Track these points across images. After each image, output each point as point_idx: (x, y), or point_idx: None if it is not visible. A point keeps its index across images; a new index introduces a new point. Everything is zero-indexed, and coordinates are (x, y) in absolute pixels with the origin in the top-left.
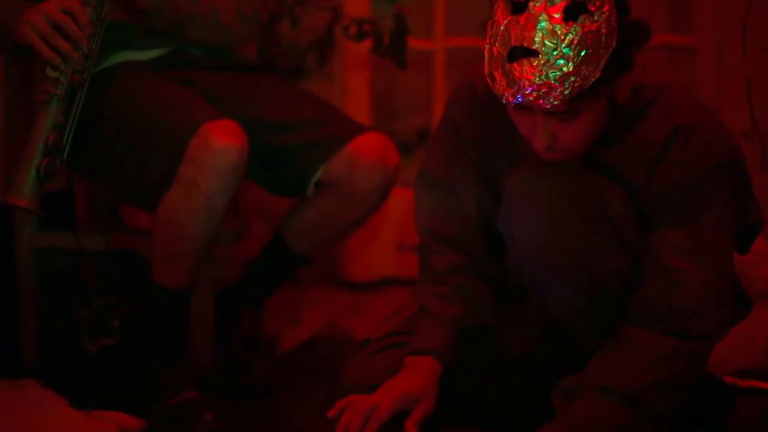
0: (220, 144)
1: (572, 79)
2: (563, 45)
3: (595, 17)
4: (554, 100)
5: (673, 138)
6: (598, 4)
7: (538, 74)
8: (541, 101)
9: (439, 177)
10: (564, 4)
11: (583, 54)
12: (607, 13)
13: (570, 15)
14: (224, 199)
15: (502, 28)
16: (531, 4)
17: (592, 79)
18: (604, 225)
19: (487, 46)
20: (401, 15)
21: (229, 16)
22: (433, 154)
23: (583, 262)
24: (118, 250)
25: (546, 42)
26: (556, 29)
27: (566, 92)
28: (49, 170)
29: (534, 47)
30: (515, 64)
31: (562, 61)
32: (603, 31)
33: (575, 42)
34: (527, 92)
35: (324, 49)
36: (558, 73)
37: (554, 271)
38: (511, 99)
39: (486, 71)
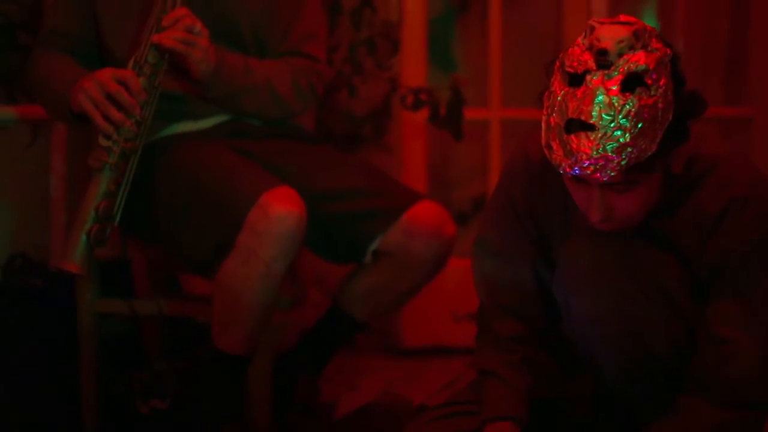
0: (279, 212)
1: (629, 150)
2: (620, 116)
3: (652, 91)
4: (611, 171)
5: (728, 209)
6: (654, 77)
7: (595, 148)
8: (599, 174)
9: (496, 246)
10: (621, 77)
11: (639, 127)
12: (664, 86)
13: (627, 87)
14: (282, 266)
15: (559, 98)
16: (588, 77)
17: (649, 153)
18: (659, 294)
19: (544, 117)
20: (457, 86)
21: (285, 87)
22: (489, 223)
23: (637, 331)
24: (176, 317)
25: (603, 115)
26: (614, 101)
27: (623, 163)
28: (99, 237)
29: (591, 121)
30: (572, 137)
31: (619, 132)
32: (660, 105)
33: (632, 114)
34: (584, 165)
35: (381, 119)
36: (615, 144)
37: (608, 339)
38: (568, 170)
39: (543, 141)
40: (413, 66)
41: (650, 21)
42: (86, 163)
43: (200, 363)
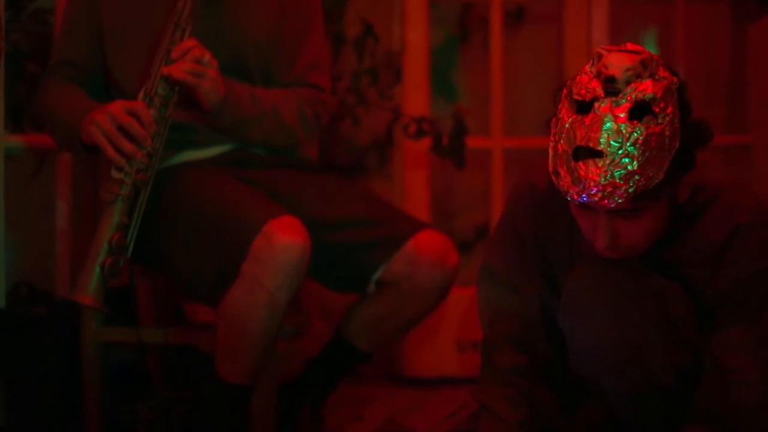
0: (283, 241)
1: (636, 177)
2: (628, 143)
3: (659, 119)
4: (618, 198)
5: (732, 237)
6: (662, 105)
7: (603, 174)
8: (606, 201)
9: (501, 275)
10: (629, 105)
11: (647, 155)
12: (671, 115)
13: (635, 115)
14: (287, 296)
15: (567, 126)
16: (596, 104)
17: (656, 181)
18: (664, 323)
19: (551, 143)
20: (460, 116)
21: (291, 116)
22: (494, 251)
23: (642, 360)
24: (181, 345)
25: (611, 142)
26: (621, 128)
27: (630, 190)
28: (112, 269)
29: (599, 148)
30: (580, 164)
31: (627, 160)
32: (667, 133)
33: (640, 141)
34: (592, 192)
35: (384, 148)
36: (623, 171)
37: (613, 367)
38: (576, 197)
39: (551, 168)
40: (416, 95)
41: (650, 49)
42: (99, 196)
43: (204, 392)
